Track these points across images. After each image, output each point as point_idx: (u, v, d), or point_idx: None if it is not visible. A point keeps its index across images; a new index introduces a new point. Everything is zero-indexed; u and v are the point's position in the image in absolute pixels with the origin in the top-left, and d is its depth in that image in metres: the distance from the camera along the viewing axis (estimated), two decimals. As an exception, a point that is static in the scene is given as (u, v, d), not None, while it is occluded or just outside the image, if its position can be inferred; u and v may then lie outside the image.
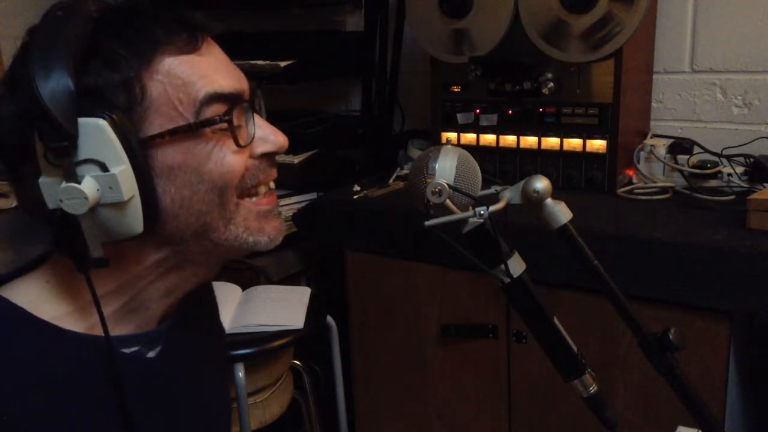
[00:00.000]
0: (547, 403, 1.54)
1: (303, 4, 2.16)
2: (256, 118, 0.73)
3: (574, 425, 1.51)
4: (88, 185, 0.61)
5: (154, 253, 0.70)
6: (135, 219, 0.64)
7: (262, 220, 0.73)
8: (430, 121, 1.86)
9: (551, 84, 1.62)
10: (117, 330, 0.72)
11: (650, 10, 1.63)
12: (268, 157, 0.74)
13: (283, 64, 1.94)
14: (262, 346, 1.55)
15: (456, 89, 1.78)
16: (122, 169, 0.62)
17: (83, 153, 0.62)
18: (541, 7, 1.57)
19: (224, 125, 0.68)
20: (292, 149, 2.00)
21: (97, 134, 0.61)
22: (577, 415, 1.48)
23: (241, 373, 1.53)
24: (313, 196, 1.97)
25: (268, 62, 1.96)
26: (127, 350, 0.73)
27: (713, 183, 1.61)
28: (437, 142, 1.82)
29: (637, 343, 0.75)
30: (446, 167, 0.70)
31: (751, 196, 1.37)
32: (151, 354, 0.76)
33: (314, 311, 1.68)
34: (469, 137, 1.78)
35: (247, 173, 0.71)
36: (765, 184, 1.55)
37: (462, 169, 0.70)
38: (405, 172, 1.87)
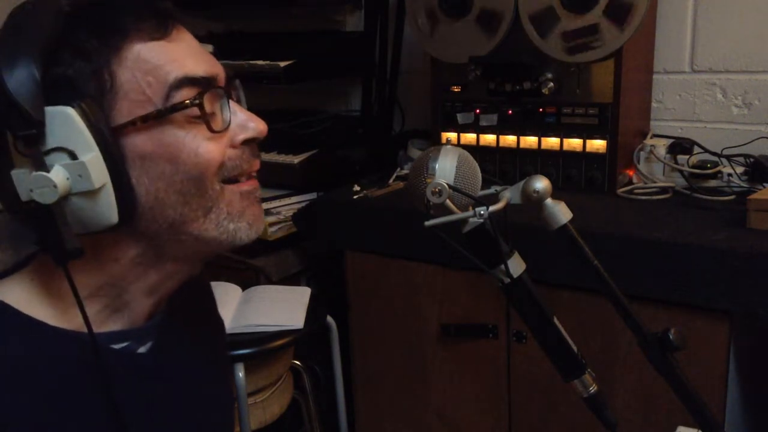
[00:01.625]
0: (547, 403, 1.54)
1: (303, 4, 2.16)
2: (234, 105, 0.72)
3: (574, 425, 1.51)
4: (58, 173, 0.61)
5: (131, 248, 0.70)
6: (108, 209, 0.64)
7: (245, 202, 0.72)
8: (430, 121, 1.86)
9: (551, 84, 1.62)
10: (105, 327, 0.72)
11: (650, 10, 1.63)
12: (249, 145, 0.73)
13: (283, 64, 1.94)
14: (262, 346, 1.55)
15: (456, 89, 1.78)
16: (91, 156, 0.62)
17: (52, 141, 0.62)
18: (542, 7, 1.57)
19: (195, 110, 0.67)
20: (292, 149, 2.01)
21: (65, 122, 0.61)
22: (577, 415, 1.48)
23: (241, 373, 1.53)
24: (313, 196, 1.97)
25: (268, 62, 1.96)
26: (116, 346, 0.73)
27: (713, 183, 1.61)
28: (437, 142, 1.82)
29: (637, 343, 0.75)
30: (446, 167, 0.70)
31: (751, 196, 1.37)
32: (142, 349, 0.76)
33: (314, 311, 1.68)
34: (469, 137, 1.78)
35: (229, 162, 0.71)
36: (765, 184, 1.55)
37: (462, 169, 0.70)
38: (405, 172, 1.87)
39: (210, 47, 2.40)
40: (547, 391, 1.53)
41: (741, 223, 1.35)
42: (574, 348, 0.77)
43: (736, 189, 1.58)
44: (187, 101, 0.66)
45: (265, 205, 1.88)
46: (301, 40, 2.15)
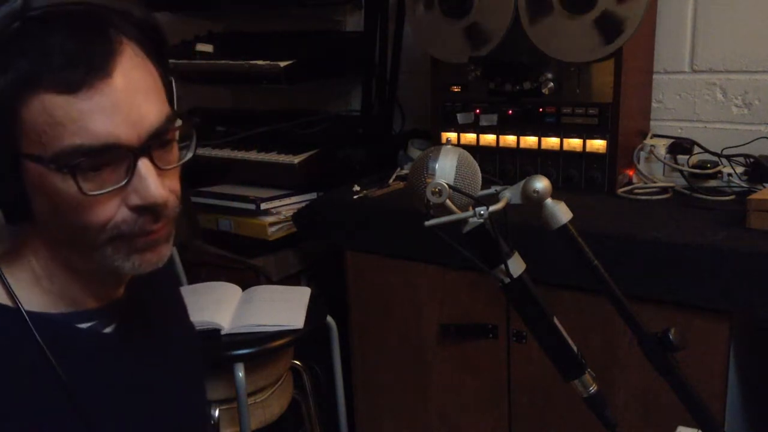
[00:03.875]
0: (547, 403, 1.54)
1: (303, 4, 2.16)
2: (144, 167, 0.68)
3: (574, 425, 1.51)
4: None
5: (42, 248, 0.73)
6: None
7: (133, 252, 0.71)
8: (430, 121, 1.86)
9: (551, 84, 1.62)
10: (66, 310, 0.74)
11: (650, 10, 1.63)
12: (147, 211, 0.70)
13: (283, 64, 1.94)
14: (262, 346, 1.55)
15: (456, 89, 1.78)
16: None
17: None
18: (541, 7, 1.57)
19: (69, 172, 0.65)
20: (292, 149, 2.01)
21: None
22: (577, 415, 1.48)
23: (241, 373, 1.53)
24: (313, 196, 1.97)
25: (268, 62, 1.96)
26: (83, 325, 0.75)
27: (713, 183, 1.61)
28: (437, 142, 1.82)
29: (637, 343, 0.75)
30: (446, 167, 0.70)
31: (751, 196, 1.37)
32: (108, 330, 0.78)
33: (314, 311, 1.68)
34: (469, 137, 1.78)
35: (123, 225, 0.69)
36: (765, 184, 1.55)
37: (462, 169, 0.70)
38: (405, 172, 1.87)
39: (210, 47, 2.39)
40: (547, 391, 1.53)
41: (741, 223, 1.35)
42: (574, 348, 0.77)
43: (736, 189, 1.58)
44: (64, 167, 0.65)
45: (265, 205, 1.89)
46: (301, 40, 2.15)
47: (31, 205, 0.68)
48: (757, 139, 1.65)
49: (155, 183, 0.68)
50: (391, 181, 1.84)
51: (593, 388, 0.78)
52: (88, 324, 0.76)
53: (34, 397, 0.69)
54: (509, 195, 0.74)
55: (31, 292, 0.72)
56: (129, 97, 0.67)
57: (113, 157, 0.67)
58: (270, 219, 1.89)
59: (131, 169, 0.67)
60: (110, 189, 0.67)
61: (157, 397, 0.84)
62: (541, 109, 1.67)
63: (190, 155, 0.74)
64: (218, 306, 1.66)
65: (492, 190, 0.76)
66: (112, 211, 0.68)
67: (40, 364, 0.69)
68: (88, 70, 0.64)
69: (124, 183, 0.67)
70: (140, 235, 0.70)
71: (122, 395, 0.78)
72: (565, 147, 1.66)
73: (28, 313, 0.70)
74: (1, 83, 0.64)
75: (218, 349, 1.53)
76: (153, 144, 0.68)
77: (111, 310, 0.78)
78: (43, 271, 0.73)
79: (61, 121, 0.64)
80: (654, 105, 1.82)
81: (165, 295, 0.95)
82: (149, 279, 0.80)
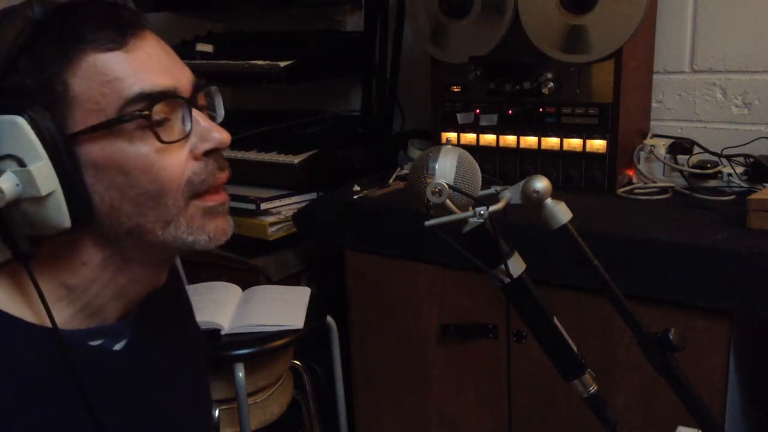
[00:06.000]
0: (547, 403, 1.54)
1: (303, 4, 2.16)
2: (197, 114, 0.71)
3: (574, 425, 1.51)
4: (6, 180, 0.63)
5: (98, 252, 0.71)
6: (59, 213, 0.66)
7: (207, 218, 0.73)
8: (430, 121, 1.86)
9: (551, 84, 1.62)
10: (81, 327, 0.73)
11: (650, 10, 1.63)
12: (213, 156, 0.72)
13: (283, 64, 1.94)
14: (262, 346, 1.55)
15: (456, 89, 1.78)
16: (39, 165, 0.64)
17: (2, 149, 0.64)
18: (541, 7, 1.57)
19: (145, 122, 0.67)
20: (292, 149, 2.01)
21: (14, 131, 0.63)
22: (577, 415, 1.48)
23: (241, 373, 1.53)
24: (313, 196, 1.97)
25: (268, 62, 1.97)
26: (93, 343, 0.75)
27: (713, 183, 1.61)
28: (437, 142, 1.82)
29: (637, 343, 0.75)
30: (446, 167, 0.70)
31: (751, 196, 1.37)
32: (117, 347, 0.77)
33: (314, 311, 1.68)
34: (469, 137, 1.78)
35: (195, 177, 0.71)
36: (765, 184, 1.55)
37: (462, 169, 0.70)
38: (405, 172, 1.87)
39: (210, 47, 2.39)
40: (547, 391, 1.53)
41: (741, 223, 1.35)
42: (574, 348, 0.77)
43: (736, 189, 1.58)
44: (136, 111, 0.66)
45: (265, 205, 1.89)
46: (301, 40, 2.15)
47: (92, 204, 0.68)
48: (757, 139, 1.65)
49: (214, 125, 0.72)
50: (391, 181, 1.84)
51: (593, 388, 0.78)
52: (99, 341, 0.75)
53: (48, 412, 0.69)
54: (509, 195, 0.74)
55: (51, 308, 0.70)
56: (167, 54, 0.71)
57: (172, 107, 0.69)
58: (270, 219, 1.89)
59: (189, 118, 0.70)
60: (179, 138, 0.69)
61: (165, 409, 0.84)
62: (541, 109, 1.67)
63: (222, 113, 0.78)
64: (218, 306, 1.66)
65: (492, 190, 0.76)
66: (184, 164, 0.70)
67: (55, 380, 0.69)
68: (125, 27, 0.68)
69: (188, 131, 0.70)
70: (212, 186, 0.72)
71: (131, 411, 0.78)
72: (565, 147, 1.66)
73: (41, 328, 0.69)
74: (42, 73, 0.65)
75: (218, 349, 1.53)
76: (196, 100, 0.72)
77: (123, 326, 0.78)
78: (81, 282, 0.72)
79: (118, 75, 0.66)
80: (654, 105, 1.82)
81: (174, 301, 0.94)
82: (162, 299, 0.79)
